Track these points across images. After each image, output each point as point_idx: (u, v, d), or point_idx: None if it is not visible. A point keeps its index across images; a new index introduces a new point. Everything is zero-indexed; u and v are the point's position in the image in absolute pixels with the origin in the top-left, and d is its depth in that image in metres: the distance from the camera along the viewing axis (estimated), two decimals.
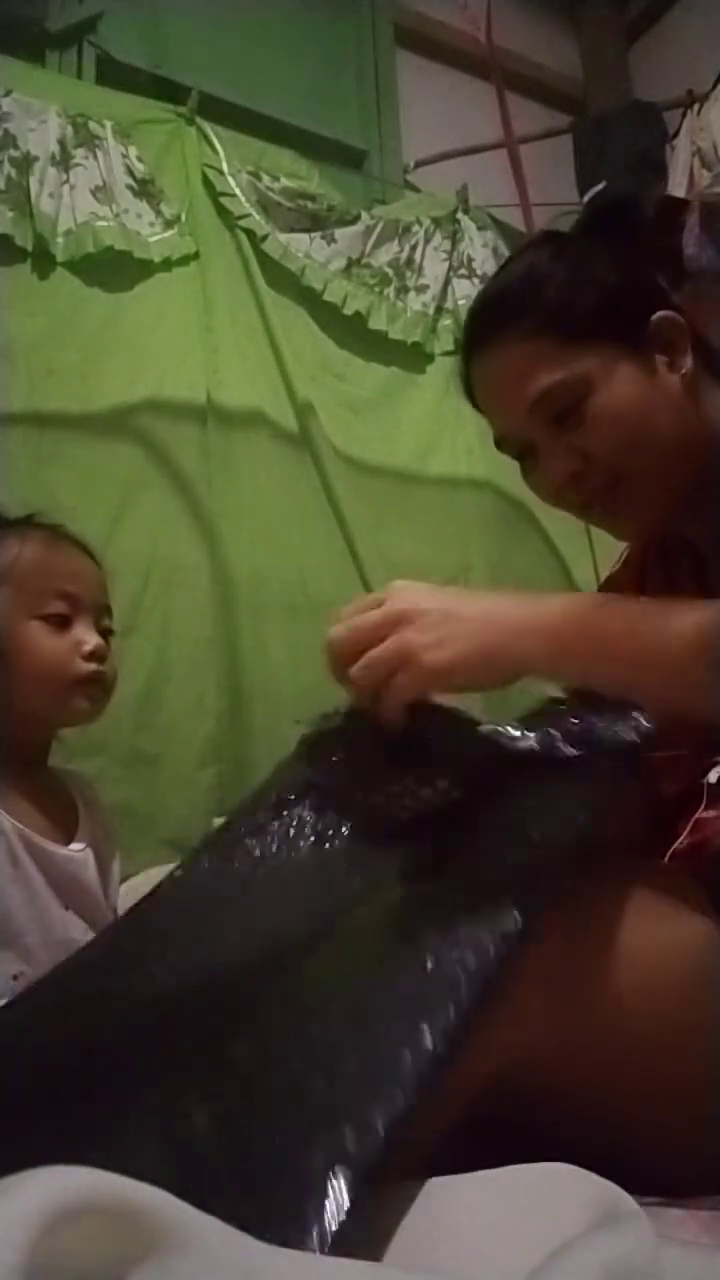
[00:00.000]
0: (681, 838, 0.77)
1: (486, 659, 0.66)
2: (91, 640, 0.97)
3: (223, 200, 1.87)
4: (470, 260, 2.17)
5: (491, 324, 0.84)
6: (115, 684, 1.01)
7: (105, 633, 1.01)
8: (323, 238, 2.00)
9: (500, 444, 0.88)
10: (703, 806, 0.78)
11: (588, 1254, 0.33)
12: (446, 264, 2.15)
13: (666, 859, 0.76)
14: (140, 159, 1.80)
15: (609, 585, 1.01)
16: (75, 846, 0.97)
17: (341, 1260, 0.35)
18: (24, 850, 0.91)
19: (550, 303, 0.81)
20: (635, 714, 0.65)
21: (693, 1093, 0.58)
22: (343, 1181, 0.40)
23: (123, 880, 1.09)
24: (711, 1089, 0.58)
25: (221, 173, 1.87)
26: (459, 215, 2.18)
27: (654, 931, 0.61)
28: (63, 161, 1.71)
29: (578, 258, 0.84)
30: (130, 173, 1.78)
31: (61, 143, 1.71)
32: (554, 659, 0.66)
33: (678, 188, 2.15)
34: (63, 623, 0.96)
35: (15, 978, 0.86)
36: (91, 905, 0.96)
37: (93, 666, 0.96)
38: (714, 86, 2.18)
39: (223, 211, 1.87)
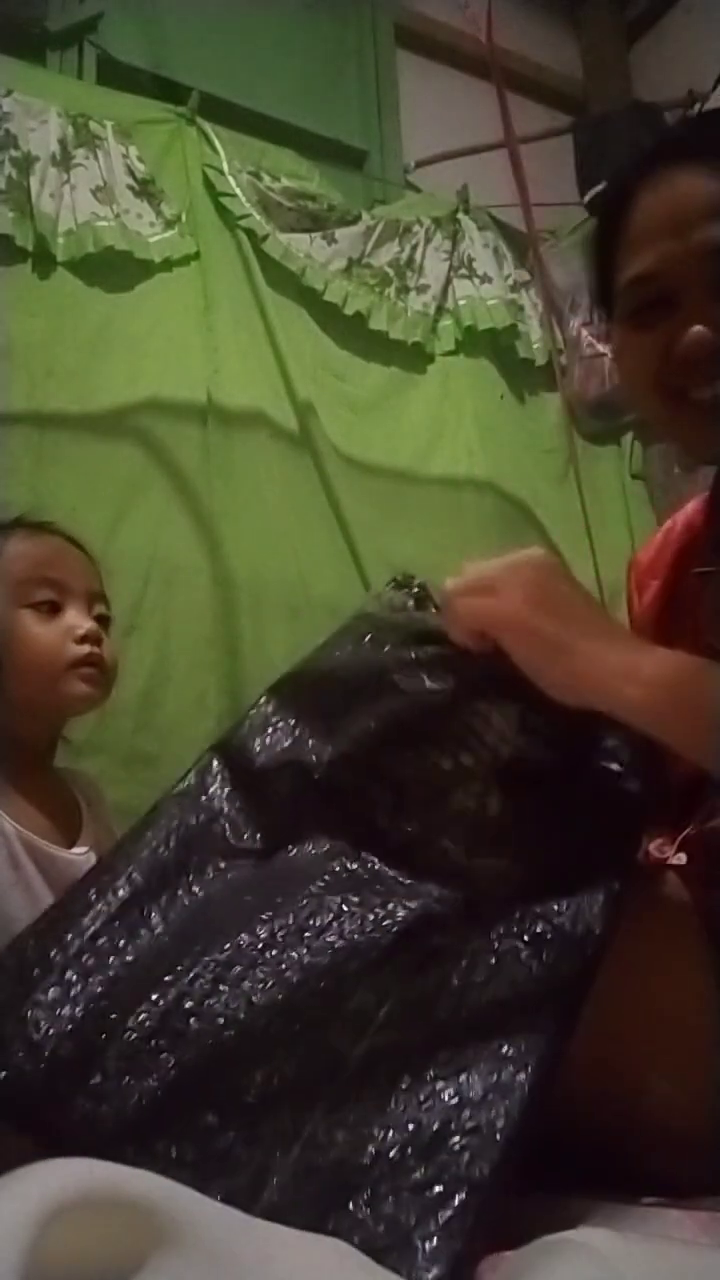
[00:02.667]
0: (691, 826, 0.76)
1: (584, 657, 0.61)
2: (83, 624, 0.96)
3: (223, 200, 1.87)
4: (471, 260, 2.17)
5: (698, 145, 0.73)
6: (115, 669, 1.01)
7: (101, 619, 1.00)
8: (323, 238, 2.00)
9: (640, 281, 0.74)
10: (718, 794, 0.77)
11: None
12: (447, 264, 2.15)
13: (676, 845, 0.76)
14: (141, 159, 1.80)
15: (635, 568, 0.97)
16: (78, 850, 0.96)
17: (339, 1244, 0.35)
18: (25, 853, 0.90)
19: None
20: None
21: (691, 1096, 0.58)
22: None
23: None
24: (709, 1091, 0.58)
25: (222, 173, 1.87)
26: (459, 215, 2.18)
27: (653, 948, 0.61)
28: (63, 161, 1.71)
29: None
30: (131, 173, 1.78)
31: (62, 143, 1.71)
32: (652, 716, 0.61)
33: None
34: (53, 609, 0.96)
35: None
36: None
37: (86, 649, 0.95)
38: (714, 86, 2.18)
39: (223, 211, 1.87)
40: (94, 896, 0.59)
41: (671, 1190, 0.56)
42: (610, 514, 2.20)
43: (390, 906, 0.56)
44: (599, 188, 2.19)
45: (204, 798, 0.67)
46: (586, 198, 2.27)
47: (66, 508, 1.56)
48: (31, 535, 1.01)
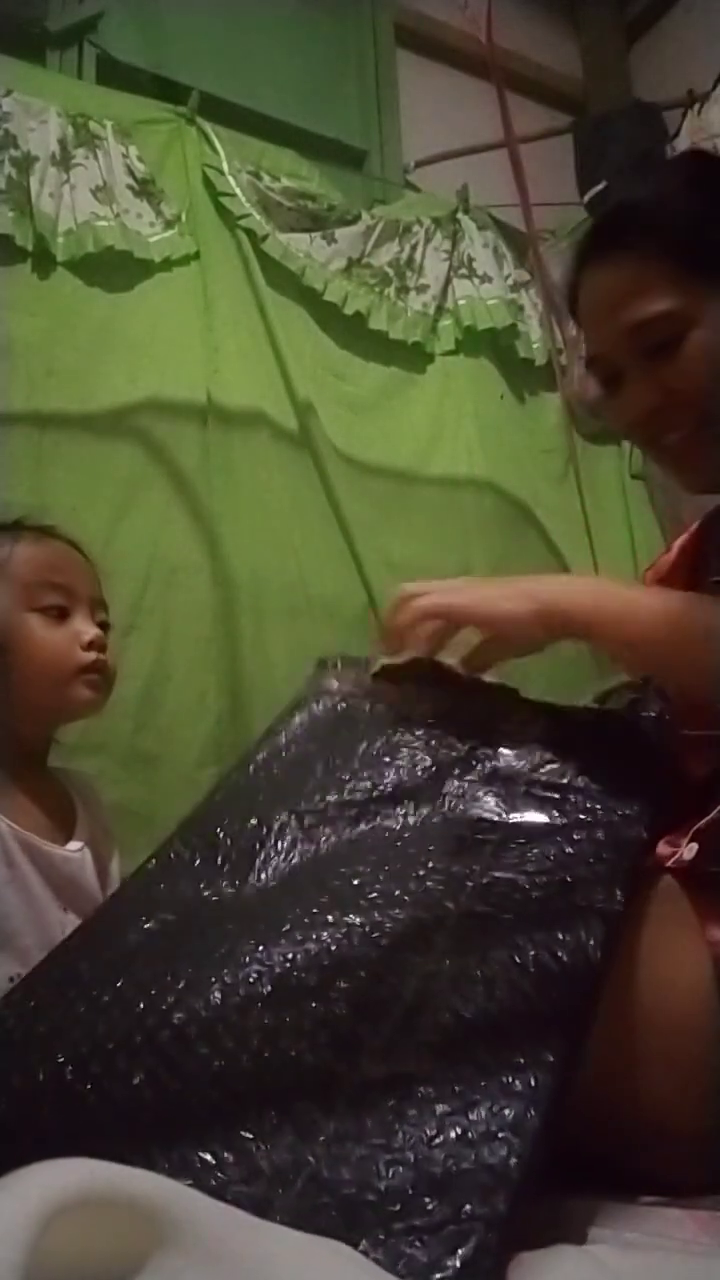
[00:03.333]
0: (710, 815, 0.76)
1: (516, 596, 0.71)
2: (90, 631, 0.98)
3: (223, 200, 1.87)
4: (471, 260, 2.17)
5: (614, 237, 0.81)
6: (115, 677, 1.02)
7: (102, 626, 1.02)
8: (323, 238, 1.99)
9: (590, 364, 0.87)
10: None
11: None
12: (447, 264, 2.15)
13: (690, 837, 0.76)
14: (140, 159, 1.80)
15: (656, 571, 1.00)
16: (73, 846, 0.97)
17: (333, 1244, 0.35)
18: (20, 851, 0.91)
19: (682, 228, 0.78)
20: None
21: (691, 1096, 0.58)
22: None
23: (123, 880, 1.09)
24: (709, 1091, 0.58)
25: (222, 173, 1.87)
26: (459, 215, 2.18)
27: (655, 948, 0.61)
28: (63, 161, 1.71)
29: (714, 187, 0.80)
30: (130, 173, 1.78)
31: (62, 143, 1.71)
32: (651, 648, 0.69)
33: None
34: (60, 614, 0.98)
35: (12, 979, 0.86)
36: (90, 906, 0.96)
37: (93, 655, 0.97)
38: (714, 86, 2.18)
39: (223, 211, 1.87)
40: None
41: (671, 1190, 0.56)
42: (610, 514, 2.20)
43: (378, 918, 0.55)
44: (599, 187, 2.19)
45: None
46: (586, 198, 2.27)
47: (66, 508, 1.57)
48: (39, 539, 1.02)
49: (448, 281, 2.15)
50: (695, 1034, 0.59)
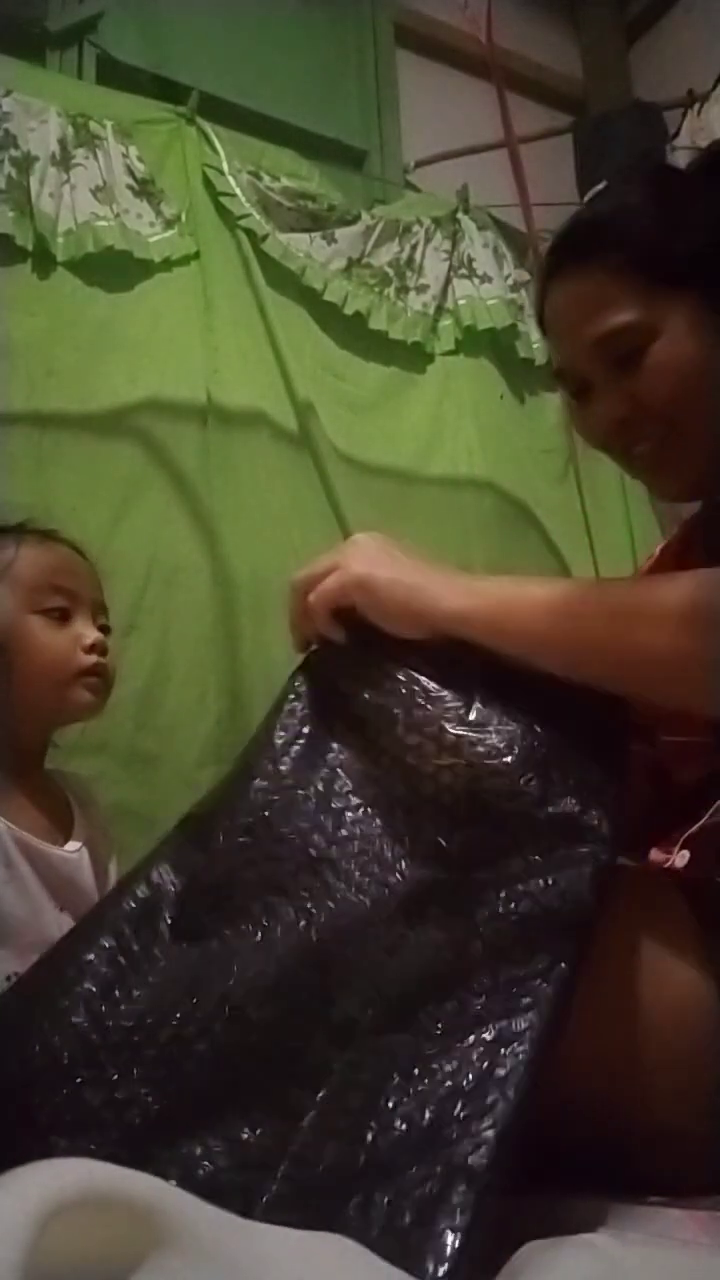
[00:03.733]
0: (700, 822, 0.76)
1: (416, 588, 0.68)
2: (91, 634, 0.99)
3: (223, 200, 1.87)
4: (471, 260, 2.17)
5: (576, 251, 0.82)
6: (114, 680, 1.03)
7: (103, 629, 1.03)
8: (323, 237, 1.99)
9: (558, 376, 0.87)
10: None
11: None
12: (447, 264, 2.15)
13: (680, 844, 0.76)
14: (140, 159, 1.80)
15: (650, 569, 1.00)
16: (70, 847, 0.98)
17: (340, 1240, 0.35)
18: (18, 851, 0.91)
19: (641, 241, 0.79)
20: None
21: (691, 1096, 0.58)
22: (467, 1199, 0.42)
23: None
24: (709, 1091, 0.58)
25: (222, 173, 1.87)
26: (459, 215, 2.18)
27: (654, 951, 0.62)
28: (63, 161, 1.71)
29: (681, 200, 0.81)
30: (130, 173, 1.78)
31: (62, 143, 1.71)
32: (493, 626, 0.66)
33: None
34: (62, 617, 0.98)
35: (9, 978, 0.86)
36: (87, 906, 0.96)
37: (94, 659, 0.98)
38: (714, 86, 2.18)
39: (223, 211, 1.87)
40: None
41: (671, 1190, 0.56)
42: (610, 514, 2.20)
43: (346, 897, 0.56)
44: (599, 188, 2.19)
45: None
46: (586, 198, 2.26)
47: (66, 508, 1.57)
48: (42, 542, 1.03)
49: (448, 281, 2.15)
50: (695, 1035, 0.59)
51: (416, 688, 0.66)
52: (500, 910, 0.54)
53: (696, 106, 2.22)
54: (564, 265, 0.83)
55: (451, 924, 0.54)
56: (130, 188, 1.77)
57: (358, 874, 0.58)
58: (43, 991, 0.55)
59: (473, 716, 0.63)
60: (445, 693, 0.65)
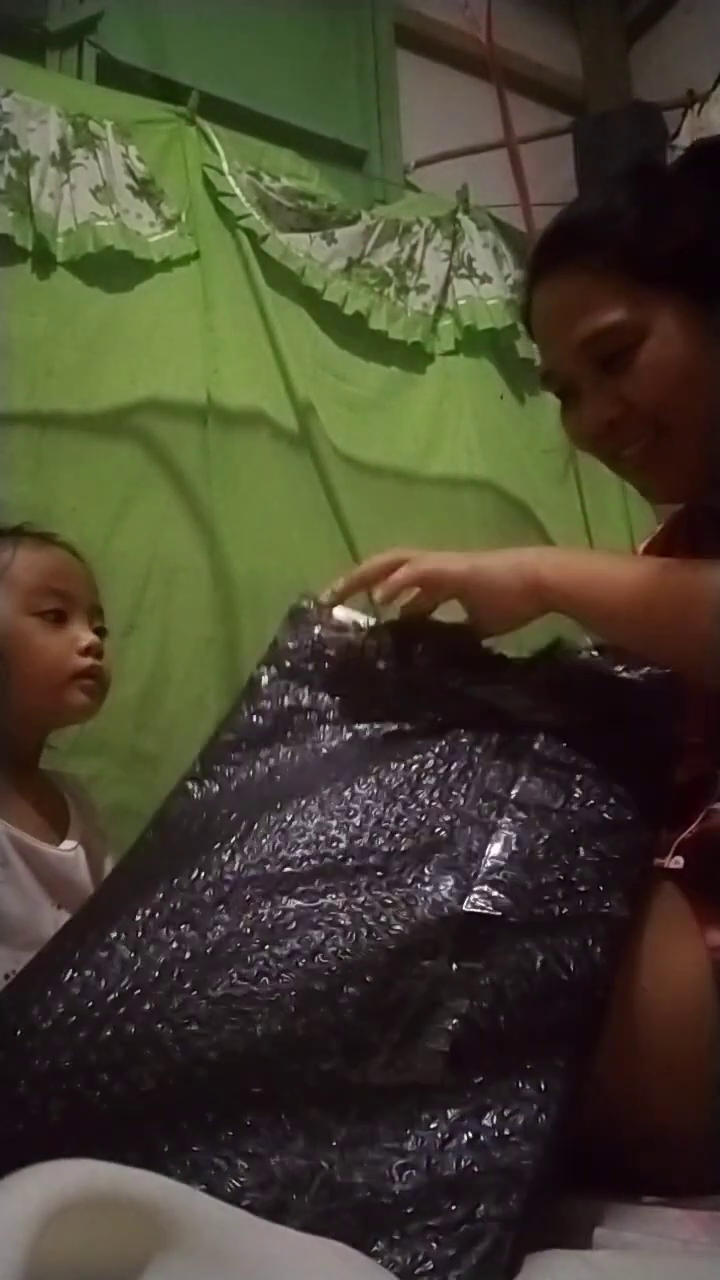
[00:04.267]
0: (690, 827, 0.76)
1: (508, 570, 0.73)
2: (87, 636, 0.99)
3: (223, 200, 1.87)
4: (471, 260, 2.16)
5: (560, 252, 0.81)
6: (110, 684, 1.03)
7: (99, 632, 1.03)
8: (323, 238, 1.99)
9: (545, 379, 0.87)
10: (716, 797, 0.77)
11: None
12: (447, 264, 2.15)
13: (674, 849, 0.76)
14: (140, 159, 1.80)
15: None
16: (66, 846, 0.98)
17: (334, 1244, 0.35)
18: (14, 850, 0.92)
19: (626, 241, 0.78)
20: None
21: (691, 1097, 0.58)
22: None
23: None
24: (708, 1092, 0.58)
25: (222, 173, 1.87)
26: (459, 215, 2.18)
27: (654, 951, 0.62)
28: (63, 161, 1.71)
29: (665, 199, 0.80)
30: (130, 173, 1.78)
31: (61, 143, 1.71)
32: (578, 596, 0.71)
33: None
34: (58, 619, 0.99)
35: (6, 976, 0.86)
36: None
37: (89, 661, 0.98)
38: (714, 86, 2.18)
39: (223, 211, 1.87)
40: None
41: (671, 1190, 0.56)
42: (610, 514, 2.20)
43: (385, 919, 0.55)
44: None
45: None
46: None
47: (66, 508, 1.57)
48: (40, 545, 1.03)
49: (448, 281, 2.15)
50: (695, 1036, 0.60)
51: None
52: (524, 965, 0.54)
53: (696, 106, 2.22)
54: (548, 267, 0.82)
55: (481, 956, 0.54)
56: (130, 188, 1.77)
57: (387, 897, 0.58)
58: (42, 987, 0.55)
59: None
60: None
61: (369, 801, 0.63)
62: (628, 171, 0.86)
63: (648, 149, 2.28)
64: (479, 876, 0.58)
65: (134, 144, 1.80)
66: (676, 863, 0.75)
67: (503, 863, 0.59)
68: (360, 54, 2.37)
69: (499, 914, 0.56)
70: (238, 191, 1.88)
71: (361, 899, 0.56)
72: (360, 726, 0.71)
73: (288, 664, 0.77)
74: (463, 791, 0.63)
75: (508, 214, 2.23)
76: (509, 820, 0.61)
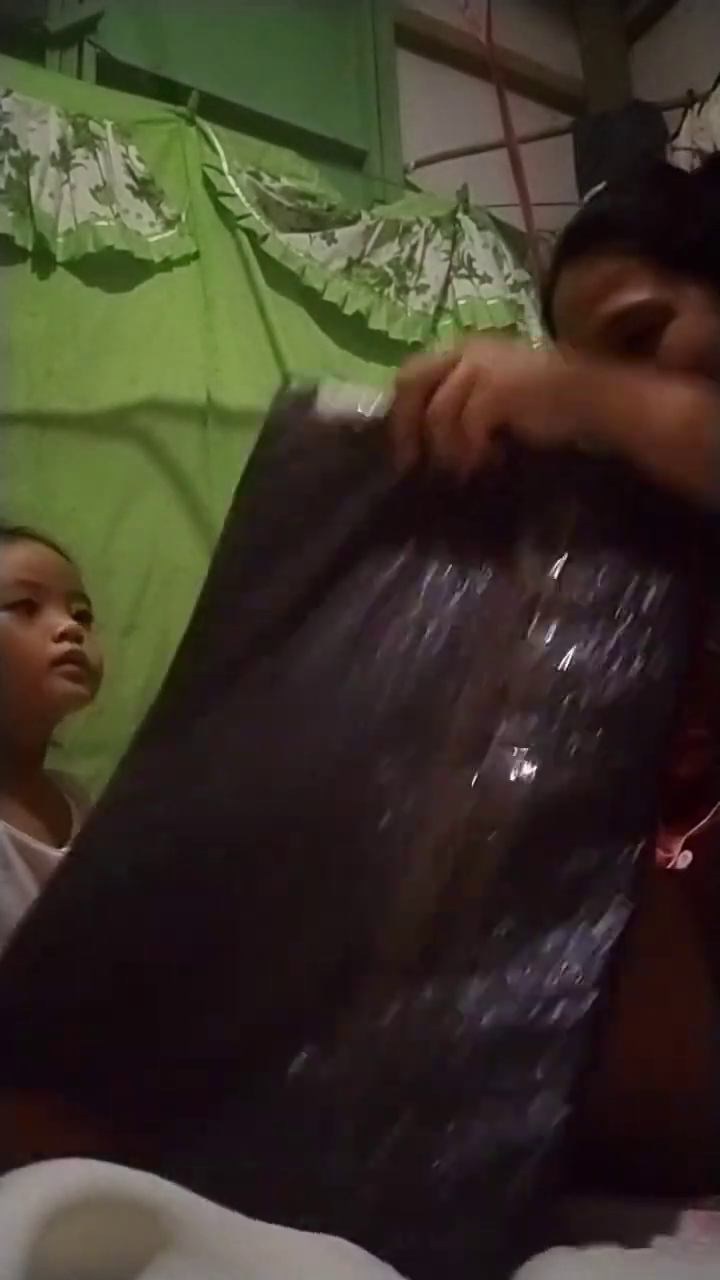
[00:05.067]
0: (700, 823, 0.76)
1: (561, 387, 0.65)
2: (62, 623, 0.97)
3: (223, 200, 1.87)
4: (471, 260, 2.17)
5: (589, 236, 0.82)
6: (101, 666, 1.01)
7: (81, 616, 1.00)
8: (323, 238, 1.99)
9: (565, 362, 0.85)
10: None
11: None
12: (447, 264, 2.15)
13: (682, 844, 0.76)
14: (140, 159, 1.80)
15: None
16: (67, 849, 0.97)
17: (335, 1241, 0.35)
18: (15, 852, 0.91)
19: (654, 227, 0.79)
20: None
21: (691, 1096, 0.58)
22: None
23: None
24: (708, 1092, 0.58)
25: (222, 173, 1.87)
26: (459, 215, 2.18)
27: (654, 951, 0.61)
28: (63, 161, 1.71)
29: (690, 193, 0.82)
30: (130, 173, 1.78)
31: (61, 143, 1.71)
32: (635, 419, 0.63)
33: None
34: (30, 609, 0.96)
35: None
36: None
37: (67, 646, 0.96)
38: (714, 86, 2.18)
39: (223, 211, 1.87)
40: None
41: (671, 1190, 0.56)
42: None
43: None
44: (599, 188, 2.19)
45: None
46: (586, 198, 2.27)
47: (66, 508, 1.57)
48: (5, 541, 1.01)
49: (448, 281, 2.15)
50: (695, 1036, 0.60)
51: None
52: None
53: (696, 106, 2.22)
54: (577, 252, 0.83)
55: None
56: (130, 188, 1.77)
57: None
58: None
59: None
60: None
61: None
62: (649, 169, 0.87)
63: (648, 149, 2.29)
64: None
65: (134, 144, 1.80)
66: (685, 859, 0.75)
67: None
68: (360, 54, 2.37)
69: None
70: (238, 191, 1.88)
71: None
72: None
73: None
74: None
75: (508, 214, 2.23)
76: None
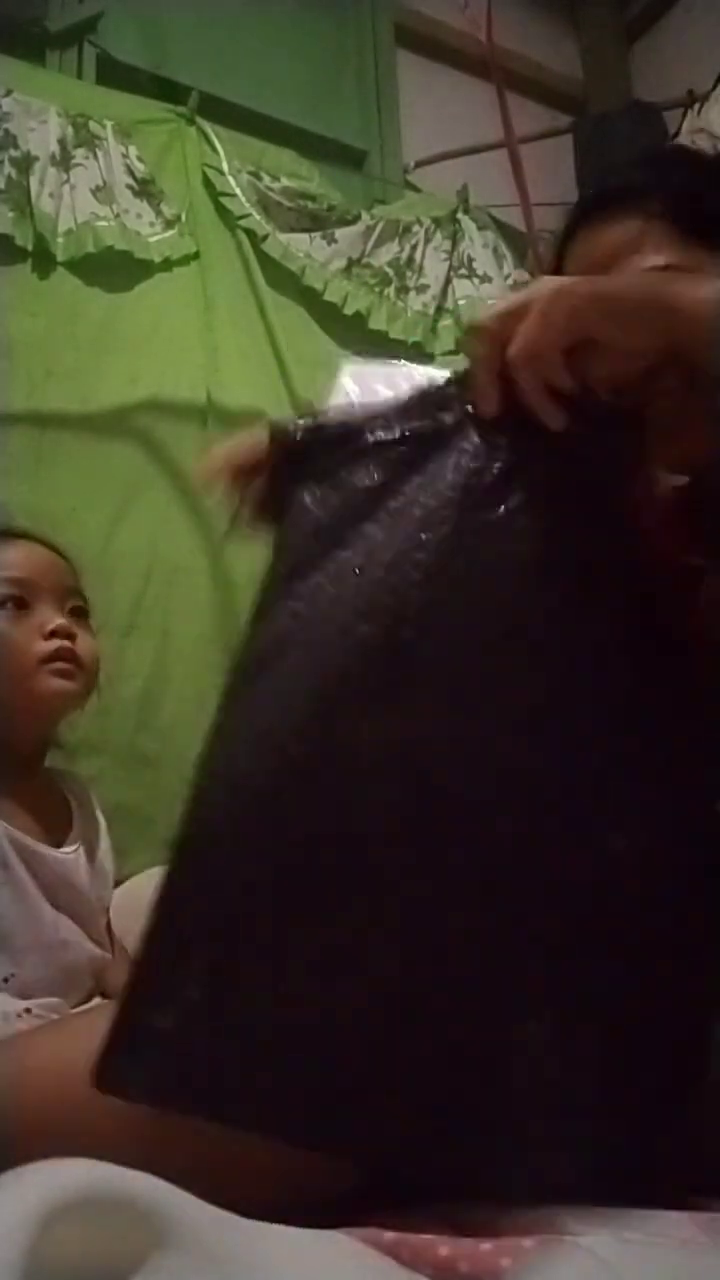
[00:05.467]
0: None
1: (648, 299, 0.60)
2: (54, 620, 0.96)
3: (223, 200, 1.87)
4: (471, 260, 2.17)
5: (611, 199, 0.81)
6: (96, 664, 0.99)
7: (76, 613, 0.99)
8: (323, 238, 2.00)
9: None
10: None
11: None
12: (447, 264, 2.15)
13: None
14: (140, 159, 1.80)
15: None
16: (67, 849, 0.97)
17: (335, 1237, 0.35)
18: (14, 852, 0.90)
19: (682, 191, 0.78)
20: None
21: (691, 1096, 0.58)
22: None
23: (121, 881, 1.08)
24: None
25: (222, 173, 1.87)
26: (459, 215, 2.18)
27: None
28: (63, 161, 1.71)
29: (715, 167, 0.81)
30: (130, 173, 1.78)
31: (61, 143, 1.71)
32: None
33: None
34: (20, 607, 0.95)
35: (5, 980, 0.85)
36: (83, 907, 0.96)
37: (57, 643, 0.95)
38: (714, 86, 2.18)
39: (223, 211, 1.87)
40: None
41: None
42: None
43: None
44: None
45: None
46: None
47: (66, 508, 1.57)
48: None
49: (448, 281, 2.15)
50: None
51: None
52: None
53: (696, 106, 2.22)
54: (596, 212, 0.81)
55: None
56: (130, 188, 1.77)
57: None
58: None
59: None
60: None
61: None
62: (670, 149, 0.86)
63: (647, 149, 2.28)
64: None
65: (134, 144, 1.80)
66: None
67: None
68: (360, 54, 2.37)
69: None
70: (238, 191, 1.88)
71: None
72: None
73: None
74: None
75: (508, 214, 2.23)
76: None
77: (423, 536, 0.57)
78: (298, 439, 0.66)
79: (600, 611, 0.59)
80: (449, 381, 0.63)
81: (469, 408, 0.62)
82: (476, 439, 0.60)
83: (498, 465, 0.59)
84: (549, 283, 0.62)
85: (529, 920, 0.50)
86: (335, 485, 0.62)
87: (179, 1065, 0.47)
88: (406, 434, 0.61)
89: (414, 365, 0.72)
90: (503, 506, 0.59)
